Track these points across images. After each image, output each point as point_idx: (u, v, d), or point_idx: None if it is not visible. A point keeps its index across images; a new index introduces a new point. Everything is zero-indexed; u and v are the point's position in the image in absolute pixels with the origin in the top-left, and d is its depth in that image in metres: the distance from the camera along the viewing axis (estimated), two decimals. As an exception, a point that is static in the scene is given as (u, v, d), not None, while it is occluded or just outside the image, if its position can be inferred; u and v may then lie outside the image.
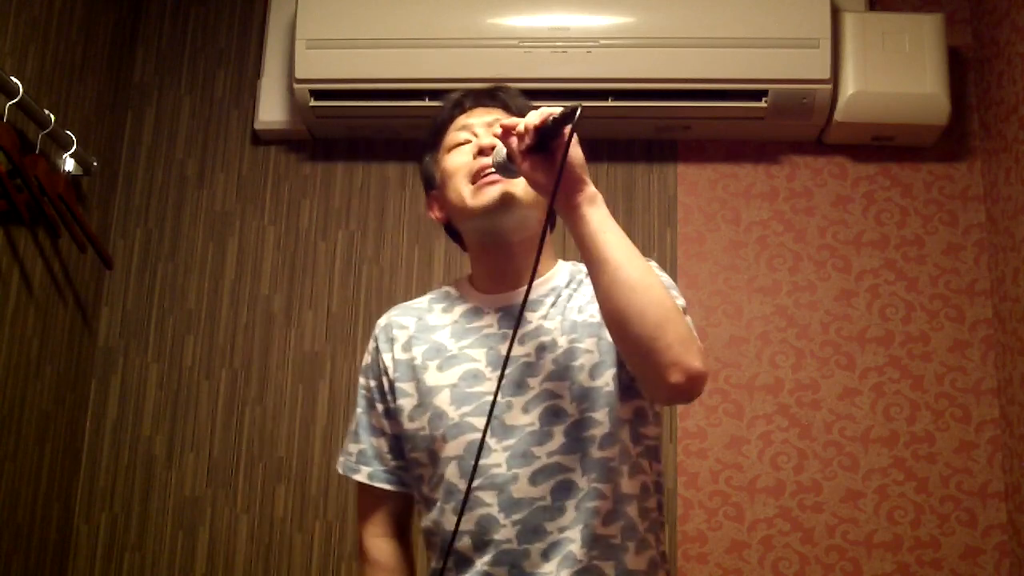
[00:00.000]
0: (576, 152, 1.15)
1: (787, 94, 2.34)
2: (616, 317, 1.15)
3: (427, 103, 2.38)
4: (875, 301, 2.45)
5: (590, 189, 1.17)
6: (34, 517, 2.25)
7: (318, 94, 2.41)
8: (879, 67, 2.37)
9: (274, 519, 2.42)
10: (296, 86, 2.41)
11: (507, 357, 1.18)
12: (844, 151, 2.54)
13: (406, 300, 2.49)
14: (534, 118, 1.15)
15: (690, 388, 1.14)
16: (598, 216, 1.16)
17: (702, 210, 2.53)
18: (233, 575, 2.39)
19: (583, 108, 1.11)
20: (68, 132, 2.23)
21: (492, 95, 1.41)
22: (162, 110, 2.69)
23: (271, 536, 2.41)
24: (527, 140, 1.16)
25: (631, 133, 2.54)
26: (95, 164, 2.38)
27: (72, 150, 2.26)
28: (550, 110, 1.14)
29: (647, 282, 1.14)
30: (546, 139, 1.14)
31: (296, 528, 2.41)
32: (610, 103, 2.37)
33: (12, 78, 1.97)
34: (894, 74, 2.37)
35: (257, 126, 2.59)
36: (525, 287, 1.25)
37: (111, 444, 2.49)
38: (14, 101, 1.99)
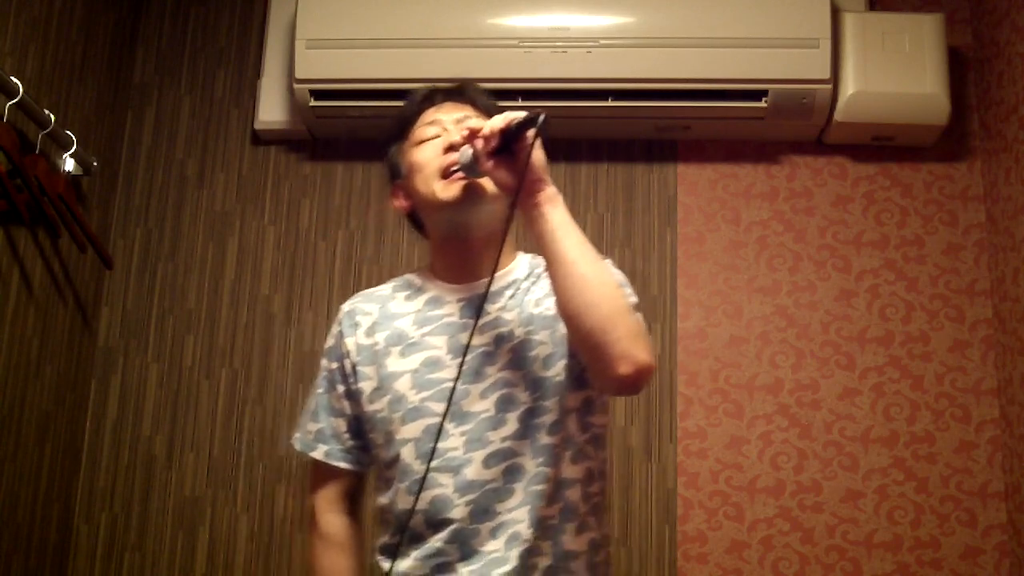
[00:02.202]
0: (538, 154, 1.21)
1: (787, 94, 2.34)
2: (570, 311, 1.22)
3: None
4: (875, 301, 2.45)
5: (550, 189, 1.23)
6: (34, 517, 2.25)
7: (318, 94, 2.41)
8: (879, 67, 2.37)
9: (274, 519, 2.42)
10: (296, 86, 2.41)
11: (467, 345, 1.27)
12: (844, 151, 2.54)
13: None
14: (498, 122, 1.21)
15: (637, 379, 1.21)
16: (557, 215, 1.23)
17: (702, 210, 2.53)
18: (233, 575, 2.39)
19: (545, 115, 1.18)
20: (68, 132, 2.23)
21: (461, 92, 1.46)
22: (162, 110, 2.69)
23: (271, 536, 2.41)
24: (492, 142, 1.22)
25: (631, 133, 2.54)
26: (95, 164, 2.38)
27: (72, 150, 2.26)
28: (514, 115, 1.21)
29: (600, 279, 1.22)
30: (509, 142, 1.21)
31: (296, 528, 2.41)
32: (610, 103, 2.37)
33: (12, 78, 1.97)
34: (894, 74, 2.37)
35: (257, 126, 2.59)
36: (486, 279, 1.34)
37: (111, 444, 2.49)
38: (14, 101, 1.99)
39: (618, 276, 1.36)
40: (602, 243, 2.51)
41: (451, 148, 1.34)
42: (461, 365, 1.27)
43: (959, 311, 2.43)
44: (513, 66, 2.35)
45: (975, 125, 2.52)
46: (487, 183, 1.32)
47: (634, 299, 1.34)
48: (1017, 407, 2.25)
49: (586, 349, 1.24)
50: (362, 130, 2.56)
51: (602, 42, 2.34)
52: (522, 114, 1.19)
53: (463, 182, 1.33)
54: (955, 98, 2.45)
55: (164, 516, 2.44)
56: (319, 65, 2.38)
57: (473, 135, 1.24)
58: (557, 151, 2.65)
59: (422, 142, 1.40)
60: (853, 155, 2.54)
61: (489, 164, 1.23)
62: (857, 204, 2.51)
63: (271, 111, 2.57)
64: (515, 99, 2.37)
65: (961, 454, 2.35)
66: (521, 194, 1.22)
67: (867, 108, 2.38)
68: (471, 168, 1.28)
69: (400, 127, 1.46)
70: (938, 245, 2.47)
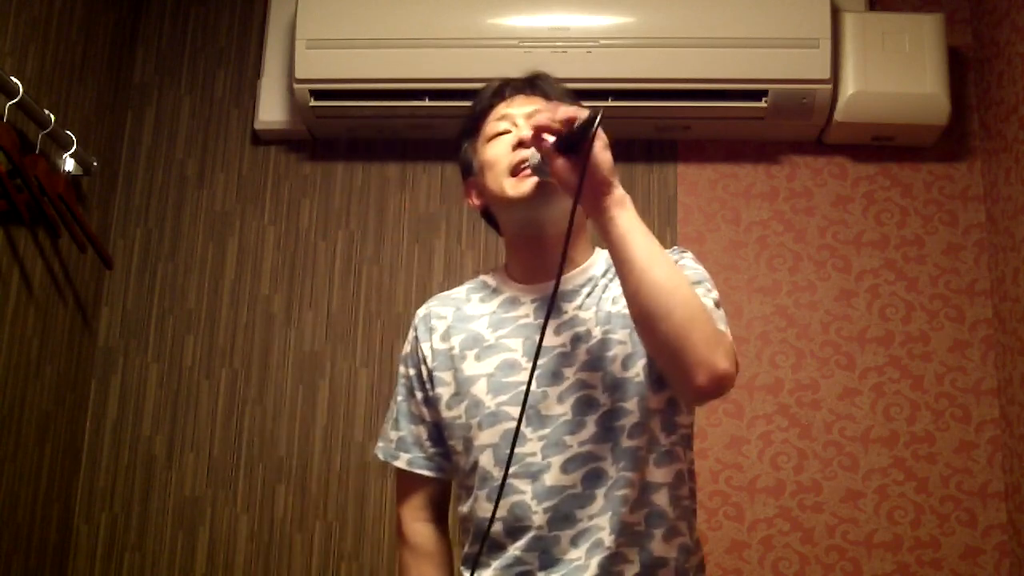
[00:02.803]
0: (604, 156, 1.16)
1: (787, 94, 2.34)
2: (643, 318, 1.17)
3: (427, 103, 2.38)
4: (875, 301, 2.45)
5: (618, 192, 1.18)
6: (34, 517, 2.25)
7: (318, 94, 2.41)
8: (879, 67, 2.37)
9: (274, 519, 2.42)
10: (296, 86, 2.41)
11: (539, 348, 1.20)
12: (844, 151, 2.54)
13: (406, 300, 2.51)
14: (560, 117, 1.17)
15: (716, 387, 1.16)
16: (625, 218, 1.18)
17: (702, 210, 2.53)
18: (233, 575, 2.39)
19: (602, 112, 1.13)
20: (68, 132, 2.23)
21: (532, 84, 1.43)
22: (162, 110, 2.69)
23: (271, 536, 2.41)
24: (555, 142, 1.18)
25: (631, 133, 2.54)
26: (95, 164, 2.38)
27: (72, 150, 2.26)
28: (577, 112, 1.16)
29: (674, 283, 1.16)
30: (574, 142, 1.16)
31: (296, 528, 2.41)
32: (610, 103, 2.37)
33: (12, 78, 1.97)
34: (894, 74, 2.37)
35: (257, 126, 2.59)
36: (562, 276, 1.29)
37: (111, 444, 2.49)
38: (14, 101, 1.99)
39: (698, 272, 1.33)
40: (602, 243, 2.51)
41: (521, 144, 1.32)
42: (533, 368, 1.19)
43: (959, 311, 2.43)
44: (513, 66, 2.31)
45: (975, 125, 2.52)
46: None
47: (715, 295, 1.31)
48: (1017, 407, 2.25)
49: (661, 358, 1.19)
50: (362, 130, 2.56)
51: (602, 42, 2.34)
52: (585, 112, 1.15)
53: (534, 179, 1.29)
54: (955, 98, 2.45)
55: (164, 516, 2.44)
56: (319, 65, 2.38)
57: (538, 135, 1.19)
58: (557, 151, 2.64)
59: (492, 138, 1.37)
60: (853, 155, 2.54)
61: (556, 164, 1.18)
62: (857, 204, 2.51)
63: (271, 111, 2.57)
64: (515, 99, 2.38)
65: (961, 454, 2.35)
66: (585, 196, 1.17)
67: (867, 108, 2.38)
68: (540, 170, 1.25)
69: (471, 123, 1.43)
70: (938, 245, 2.47)
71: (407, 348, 1.46)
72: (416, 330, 1.45)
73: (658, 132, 2.52)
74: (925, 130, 2.42)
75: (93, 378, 2.53)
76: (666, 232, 2.52)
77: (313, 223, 2.59)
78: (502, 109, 1.40)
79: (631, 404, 1.28)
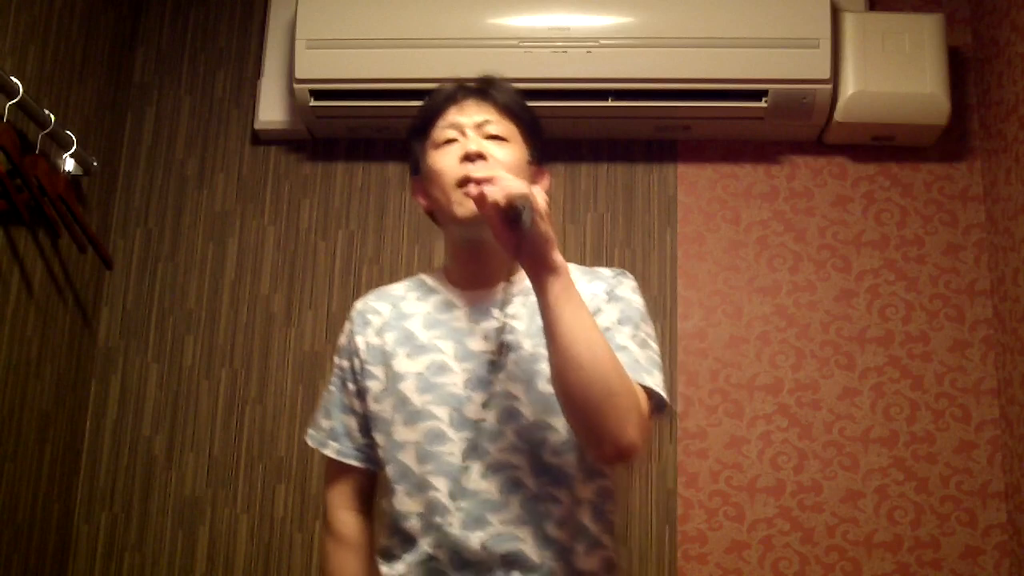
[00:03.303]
0: (540, 231, 1.16)
1: (787, 94, 2.34)
2: (562, 389, 1.20)
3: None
4: (875, 301, 2.45)
5: (554, 263, 1.19)
6: (34, 517, 2.25)
7: (318, 94, 2.41)
8: (879, 67, 2.37)
9: (274, 519, 2.42)
10: (296, 86, 2.41)
11: (475, 352, 1.25)
12: (844, 151, 2.54)
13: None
14: (496, 195, 1.16)
15: (619, 459, 1.22)
16: (556, 289, 1.19)
17: (702, 210, 2.53)
18: (233, 575, 2.39)
19: (528, 209, 1.14)
20: (68, 132, 2.23)
21: (484, 91, 1.43)
22: (162, 110, 2.69)
23: (271, 536, 2.41)
24: (494, 217, 1.18)
25: (631, 133, 2.54)
26: (95, 164, 2.38)
27: (72, 150, 2.25)
28: (513, 190, 1.16)
29: (594, 360, 1.17)
30: (511, 219, 1.17)
31: (296, 528, 2.41)
32: (610, 103, 2.37)
33: (12, 78, 1.97)
34: (894, 74, 2.37)
35: (257, 126, 2.59)
36: (498, 286, 1.37)
37: (111, 444, 2.49)
38: (14, 101, 1.99)
39: (627, 308, 1.34)
40: (602, 243, 2.52)
41: (467, 158, 1.33)
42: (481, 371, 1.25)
43: (959, 311, 2.43)
44: (513, 66, 2.35)
45: (975, 125, 2.52)
46: None
47: (642, 334, 1.33)
48: (1017, 407, 2.25)
49: (574, 425, 1.23)
50: (362, 130, 2.56)
51: (602, 42, 2.34)
52: (517, 192, 1.15)
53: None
54: (955, 98, 2.45)
55: (164, 516, 2.44)
56: (319, 65, 2.38)
57: (481, 203, 1.19)
58: (557, 151, 2.66)
59: (441, 145, 1.38)
60: (853, 155, 2.54)
61: (496, 226, 1.19)
62: (857, 204, 2.51)
63: (271, 111, 2.57)
64: (515, 99, 2.38)
65: (961, 454, 2.35)
66: (523, 263, 1.19)
67: (867, 108, 2.38)
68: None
69: (422, 123, 1.44)
70: (938, 245, 2.47)
71: (342, 340, 1.49)
72: (353, 322, 1.47)
73: (658, 132, 2.52)
74: (925, 130, 2.42)
75: (93, 378, 2.53)
76: (666, 232, 2.52)
77: (313, 223, 2.59)
78: (453, 115, 1.40)
79: (557, 422, 1.30)
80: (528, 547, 1.27)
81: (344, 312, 2.51)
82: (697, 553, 2.34)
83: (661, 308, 2.47)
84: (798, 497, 2.35)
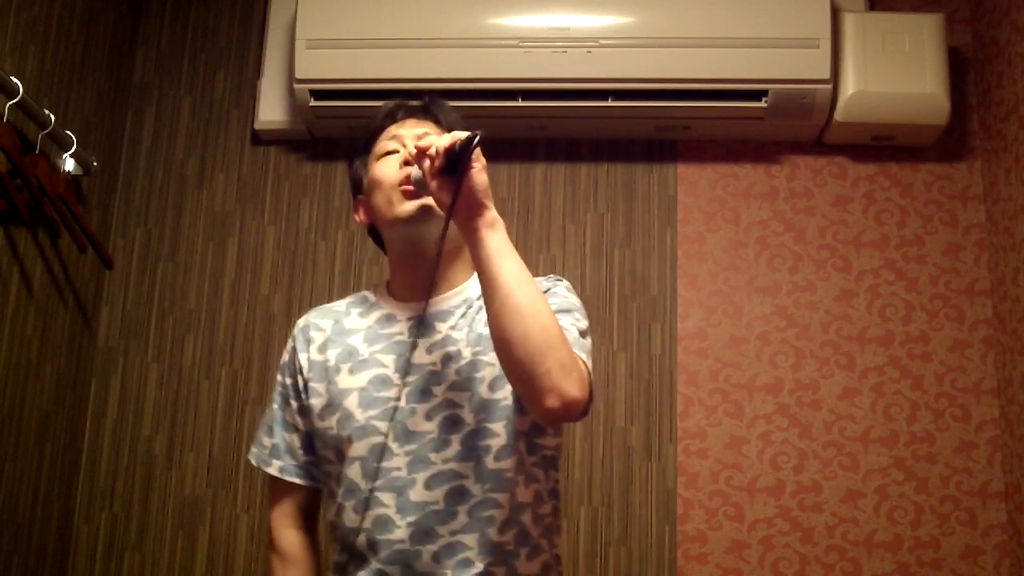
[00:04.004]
0: (479, 177, 1.19)
1: (787, 94, 2.34)
2: (501, 340, 1.20)
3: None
4: (875, 301, 2.45)
5: (490, 214, 1.21)
6: (34, 517, 2.25)
7: (318, 94, 2.41)
8: (879, 67, 2.37)
9: (274, 519, 2.41)
10: (296, 86, 2.40)
11: (407, 366, 1.26)
12: (844, 151, 2.54)
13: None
14: (444, 141, 1.20)
15: (565, 413, 1.19)
16: (495, 241, 1.21)
17: (702, 210, 2.53)
18: (233, 575, 2.39)
19: (481, 134, 1.17)
20: (68, 132, 2.23)
21: (424, 108, 1.46)
22: (162, 110, 2.69)
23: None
24: (437, 162, 1.21)
25: (631, 133, 2.54)
26: (95, 164, 2.38)
27: (72, 150, 2.25)
28: (459, 135, 1.20)
29: (534, 308, 1.18)
30: (455, 162, 1.19)
31: (296, 528, 2.40)
32: (610, 103, 2.37)
33: (12, 78, 1.97)
34: (894, 74, 2.37)
35: (257, 126, 2.59)
36: (437, 297, 1.39)
37: (111, 444, 2.49)
38: (14, 101, 1.99)
39: (565, 302, 1.36)
40: (602, 243, 2.52)
41: (407, 163, 1.35)
42: (404, 384, 1.26)
43: (959, 311, 2.43)
44: (513, 66, 2.35)
45: (975, 125, 2.52)
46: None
47: (582, 325, 1.35)
48: (1017, 407, 2.25)
49: (515, 380, 1.22)
50: (362, 130, 2.56)
51: (602, 42, 2.34)
52: (464, 134, 1.19)
53: (417, 201, 1.33)
54: (955, 98, 2.45)
55: (164, 516, 2.44)
56: (319, 65, 2.38)
57: (422, 153, 1.23)
58: (557, 151, 2.66)
59: (381, 157, 1.41)
60: (853, 155, 2.54)
61: (433, 184, 1.22)
62: (857, 204, 2.51)
63: (271, 111, 2.57)
64: (515, 99, 2.38)
65: (961, 454, 2.35)
66: (459, 216, 1.21)
67: (867, 108, 2.38)
68: (422, 186, 1.28)
69: (363, 142, 1.47)
70: (938, 245, 2.47)
71: (285, 357, 1.49)
72: (295, 340, 1.48)
73: (658, 132, 2.52)
74: (925, 130, 2.42)
75: (93, 378, 2.53)
76: (666, 232, 2.52)
77: (313, 223, 2.59)
78: (393, 130, 1.44)
79: (498, 426, 1.32)
80: (473, 554, 1.29)
81: (344, 312, 2.52)
82: (697, 553, 2.34)
83: (661, 308, 2.47)
84: (798, 497, 2.35)
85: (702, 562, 2.33)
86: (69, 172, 2.28)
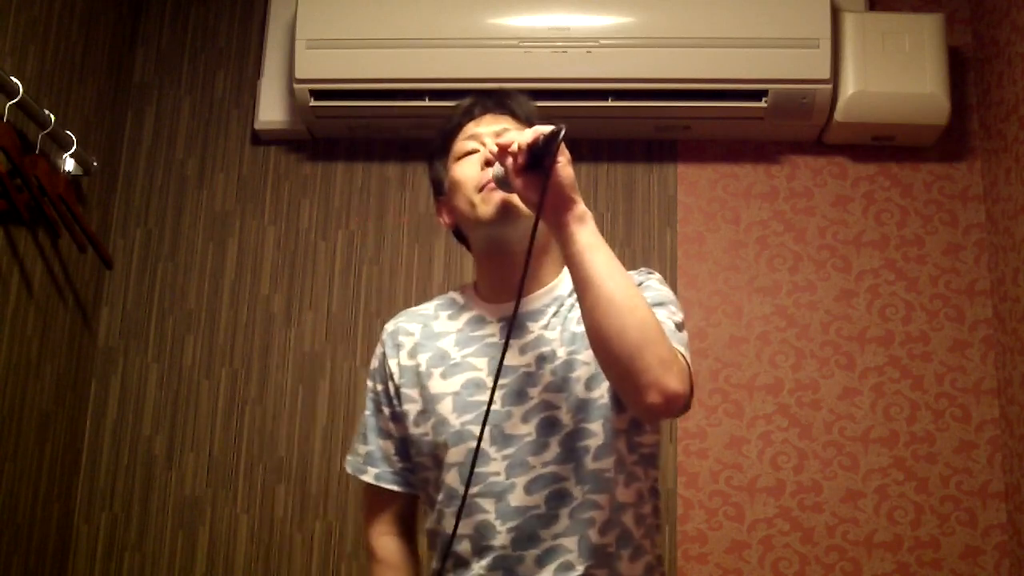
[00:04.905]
0: (566, 172, 1.16)
1: (787, 94, 2.34)
2: (597, 336, 1.17)
3: (427, 103, 2.38)
4: (875, 301, 2.45)
5: (579, 208, 1.18)
6: (34, 517, 2.25)
7: (318, 94, 2.41)
8: (879, 67, 2.37)
9: (274, 519, 2.42)
10: (296, 86, 2.40)
11: (499, 369, 1.21)
12: (844, 151, 2.54)
13: (406, 300, 2.51)
14: (525, 137, 1.17)
15: (667, 408, 1.16)
16: (585, 235, 1.18)
17: (702, 210, 2.53)
18: (233, 575, 2.39)
19: (565, 128, 1.14)
20: (68, 132, 2.23)
21: (501, 103, 1.42)
22: (162, 110, 2.69)
23: (271, 536, 2.41)
24: (520, 159, 1.18)
25: (631, 133, 2.54)
26: (95, 164, 2.38)
27: (72, 150, 2.25)
28: (542, 129, 1.17)
29: (630, 303, 1.15)
30: (538, 158, 1.17)
31: (296, 528, 2.41)
32: (610, 103, 2.37)
33: (12, 78, 1.97)
34: (894, 74, 2.37)
35: (257, 126, 2.59)
36: (527, 296, 1.34)
37: (111, 444, 2.49)
38: (14, 101, 1.99)
39: (661, 294, 1.33)
40: (602, 243, 2.51)
41: (488, 163, 1.32)
42: (494, 389, 1.20)
43: (959, 311, 2.43)
44: (513, 66, 2.35)
45: (975, 125, 2.52)
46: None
47: (678, 318, 1.31)
48: (1017, 407, 2.25)
49: (614, 376, 1.19)
50: (362, 130, 2.56)
51: (602, 42, 2.34)
52: (548, 128, 1.16)
53: (499, 200, 1.30)
54: (955, 98, 2.45)
55: (164, 516, 2.44)
56: (319, 65, 2.38)
57: (504, 151, 1.20)
58: (557, 151, 2.64)
59: (461, 158, 1.38)
60: (853, 155, 2.54)
61: (518, 182, 1.19)
62: (857, 204, 2.51)
63: (271, 111, 2.57)
64: (515, 99, 2.38)
65: (961, 454, 2.35)
66: (547, 212, 1.17)
67: (867, 108, 2.38)
68: (504, 183, 1.25)
69: (441, 142, 1.44)
70: (938, 245, 2.47)
71: (375, 363, 1.47)
72: (384, 346, 1.46)
73: (658, 132, 2.52)
74: (925, 130, 2.42)
75: (93, 378, 2.53)
76: (666, 232, 2.52)
77: (313, 223, 2.59)
78: (471, 128, 1.40)
79: (595, 425, 1.29)
80: (574, 557, 1.26)
81: (344, 312, 2.52)
82: (697, 553, 2.34)
83: (661, 308, 2.47)
84: (798, 497, 2.35)
85: (702, 562, 2.33)
86: (69, 172, 2.28)
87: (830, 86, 2.34)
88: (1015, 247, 2.27)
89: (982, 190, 2.48)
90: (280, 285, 2.56)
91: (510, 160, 1.20)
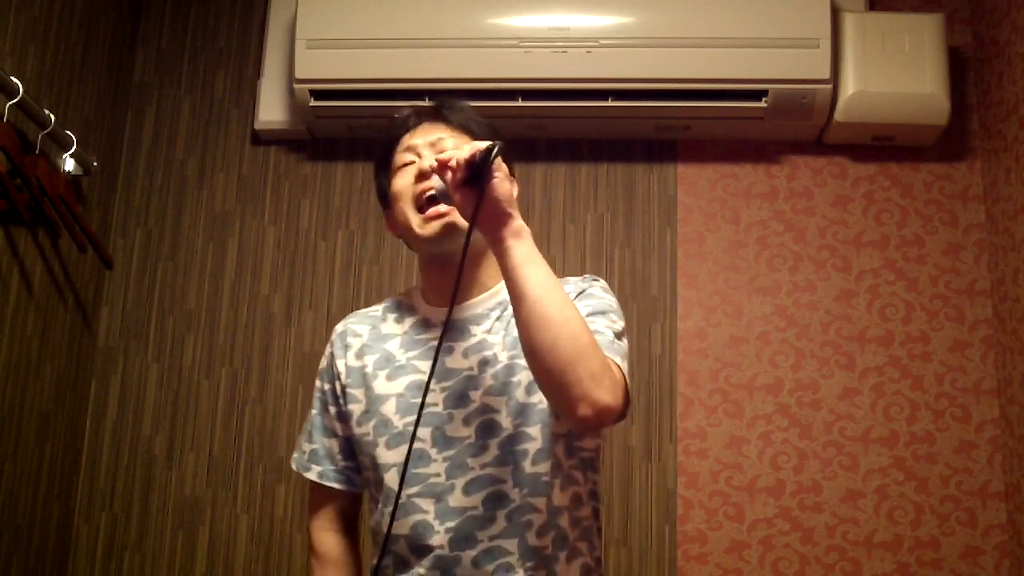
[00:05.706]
0: (502, 187, 1.18)
1: (787, 94, 2.34)
2: (530, 349, 1.19)
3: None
4: (875, 301, 2.45)
5: (515, 223, 1.20)
6: (34, 517, 2.25)
7: (318, 94, 2.41)
8: (879, 67, 2.38)
9: (274, 519, 2.42)
10: (296, 86, 2.41)
11: (432, 371, 1.24)
12: (844, 151, 2.54)
13: (406, 300, 2.50)
14: (464, 153, 1.19)
15: (599, 421, 1.18)
16: (521, 250, 1.19)
17: (702, 210, 2.53)
18: (233, 575, 2.39)
19: (501, 146, 1.17)
20: (68, 132, 2.23)
21: (436, 112, 1.44)
22: (162, 110, 2.69)
23: (271, 536, 2.41)
24: (459, 175, 1.20)
25: (631, 133, 2.54)
26: (95, 164, 2.38)
27: (72, 150, 2.25)
28: (479, 145, 1.19)
29: (563, 317, 1.17)
30: (476, 173, 1.19)
31: (296, 528, 2.41)
32: (610, 103, 2.37)
33: (12, 78, 1.97)
34: (894, 74, 2.37)
35: (257, 126, 2.59)
36: (470, 300, 1.38)
37: (111, 444, 2.49)
38: (14, 101, 1.99)
39: (601, 303, 1.34)
40: (602, 243, 2.52)
41: (422, 176, 1.34)
42: (426, 390, 1.24)
43: (959, 311, 2.43)
44: (513, 66, 2.35)
45: (975, 125, 2.52)
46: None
47: (618, 326, 1.33)
48: (1017, 407, 2.25)
49: (546, 389, 1.21)
50: (362, 130, 2.56)
51: (602, 42, 2.34)
52: (484, 144, 1.18)
53: (440, 220, 1.32)
54: (955, 98, 2.45)
55: (164, 516, 2.44)
56: (319, 65, 2.38)
57: (443, 166, 1.21)
58: (557, 151, 2.66)
59: (399, 169, 1.40)
60: (853, 155, 2.54)
61: (457, 196, 1.21)
62: (857, 204, 2.51)
63: (271, 111, 2.57)
64: (515, 99, 2.38)
65: (961, 454, 2.35)
66: (484, 227, 1.19)
67: (867, 108, 2.38)
68: (445, 196, 1.27)
69: (384, 154, 1.46)
70: (938, 245, 2.47)
71: (324, 363, 1.49)
72: (333, 346, 1.48)
73: (658, 132, 2.52)
74: (925, 130, 2.42)
75: (93, 378, 2.53)
76: (666, 232, 2.52)
77: (313, 223, 2.59)
78: (408, 140, 1.42)
79: (534, 430, 1.31)
80: (514, 559, 1.29)
81: (344, 312, 2.51)
82: (697, 553, 2.34)
83: (661, 308, 2.47)
84: (798, 497, 2.35)
85: (702, 562, 2.33)
86: (69, 172, 2.28)
87: (830, 86, 2.34)
88: (1015, 247, 2.27)
89: (982, 190, 2.48)
90: (280, 285, 2.56)
91: (449, 175, 1.21)
